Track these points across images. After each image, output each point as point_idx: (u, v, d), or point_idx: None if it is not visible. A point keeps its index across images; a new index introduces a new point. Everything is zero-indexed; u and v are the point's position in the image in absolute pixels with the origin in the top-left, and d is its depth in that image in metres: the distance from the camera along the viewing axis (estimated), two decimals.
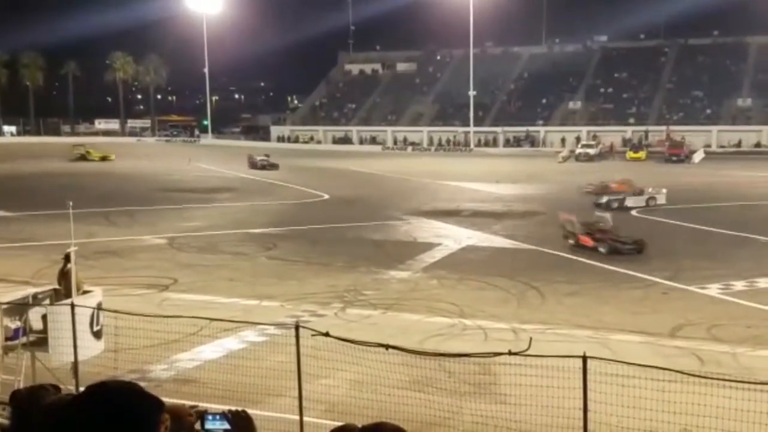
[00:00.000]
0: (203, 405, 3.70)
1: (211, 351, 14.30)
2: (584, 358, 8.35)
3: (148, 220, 33.13)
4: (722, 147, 77.67)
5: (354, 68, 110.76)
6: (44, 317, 12.21)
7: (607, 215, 27.71)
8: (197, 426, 3.23)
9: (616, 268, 22.91)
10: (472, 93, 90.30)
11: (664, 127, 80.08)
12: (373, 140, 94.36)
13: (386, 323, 16.86)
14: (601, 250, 24.81)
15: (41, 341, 12.11)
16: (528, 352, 8.42)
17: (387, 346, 9.15)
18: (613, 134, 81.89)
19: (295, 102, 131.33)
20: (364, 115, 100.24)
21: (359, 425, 2.74)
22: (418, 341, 14.26)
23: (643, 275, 21.78)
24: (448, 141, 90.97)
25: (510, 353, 8.63)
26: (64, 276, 13.05)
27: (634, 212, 34.84)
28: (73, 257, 12.63)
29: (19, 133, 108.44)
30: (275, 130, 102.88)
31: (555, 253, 25.40)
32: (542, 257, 25.22)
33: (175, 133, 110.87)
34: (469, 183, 49.24)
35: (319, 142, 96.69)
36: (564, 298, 19.43)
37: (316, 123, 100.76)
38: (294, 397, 10.11)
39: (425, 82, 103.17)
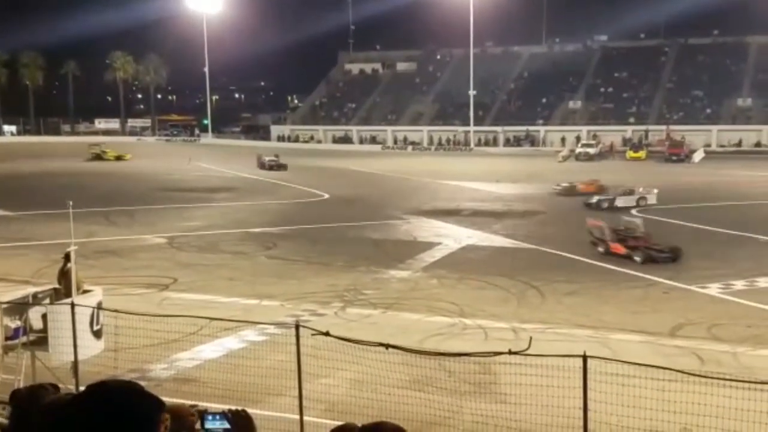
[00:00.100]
0: (203, 404, 3.70)
1: (211, 350, 14.30)
2: (584, 358, 8.35)
3: (148, 220, 33.13)
4: (722, 146, 77.64)
5: (354, 68, 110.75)
6: (44, 317, 12.21)
7: (638, 220, 26.20)
8: (197, 425, 3.23)
9: (616, 267, 22.90)
10: (472, 92, 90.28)
11: (664, 127, 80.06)
12: (373, 140, 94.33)
13: (386, 322, 16.87)
14: (636, 258, 23.27)
15: (41, 340, 12.12)
16: (528, 352, 8.42)
17: (387, 346, 9.15)
18: (613, 134, 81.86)
19: (295, 101, 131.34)
20: (364, 114, 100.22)
21: (359, 425, 2.74)
22: (418, 340, 14.27)
23: (643, 275, 21.78)
24: (448, 140, 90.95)
25: (510, 353, 8.63)
26: (64, 275, 13.04)
27: (633, 212, 34.81)
28: (73, 257, 12.63)
29: (19, 133, 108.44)
30: (275, 130, 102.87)
31: (555, 253, 25.39)
32: (542, 257, 25.22)
33: (175, 132, 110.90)
34: (469, 182, 49.24)
35: (319, 141, 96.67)
36: (564, 297, 19.43)
37: (316, 122, 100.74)
38: (294, 397, 10.12)
39: (425, 81, 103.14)
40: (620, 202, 36.16)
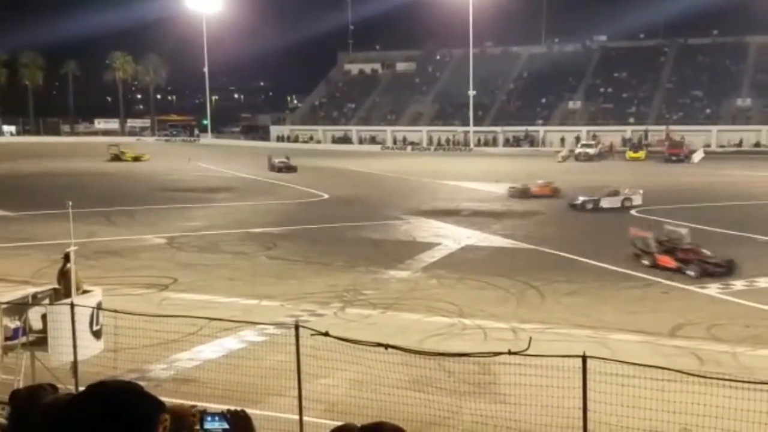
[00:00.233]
0: (202, 405, 3.70)
1: (210, 350, 14.30)
2: (584, 358, 8.36)
3: (148, 220, 33.13)
4: (722, 147, 77.67)
5: (353, 68, 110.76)
6: (44, 317, 12.22)
7: (683, 230, 24.06)
8: (196, 426, 3.23)
9: (615, 267, 22.89)
10: (471, 92, 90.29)
11: (663, 127, 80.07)
12: (373, 140, 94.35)
13: (386, 323, 16.87)
14: (690, 273, 21.41)
15: (41, 341, 12.12)
16: (527, 352, 8.43)
17: (386, 346, 9.16)
18: (612, 134, 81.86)
19: (295, 102, 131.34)
20: (363, 114, 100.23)
21: (359, 425, 2.74)
22: (418, 341, 14.27)
23: (642, 275, 21.78)
24: (447, 140, 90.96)
25: (509, 353, 8.64)
26: (63, 275, 13.04)
27: (633, 212, 34.84)
28: (72, 257, 12.63)
29: (18, 133, 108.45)
30: (275, 130, 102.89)
31: (554, 253, 25.39)
32: (541, 257, 25.22)
33: (174, 132, 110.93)
34: (469, 182, 49.24)
35: (318, 141, 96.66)
36: (563, 297, 19.43)
37: (316, 123, 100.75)
38: (294, 397, 10.12)
39: (425, 81, 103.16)
40: (605, 203, 35.80)
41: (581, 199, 36.40)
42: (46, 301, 12.83)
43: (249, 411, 3.32)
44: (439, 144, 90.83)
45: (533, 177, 51.73)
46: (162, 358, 13.66)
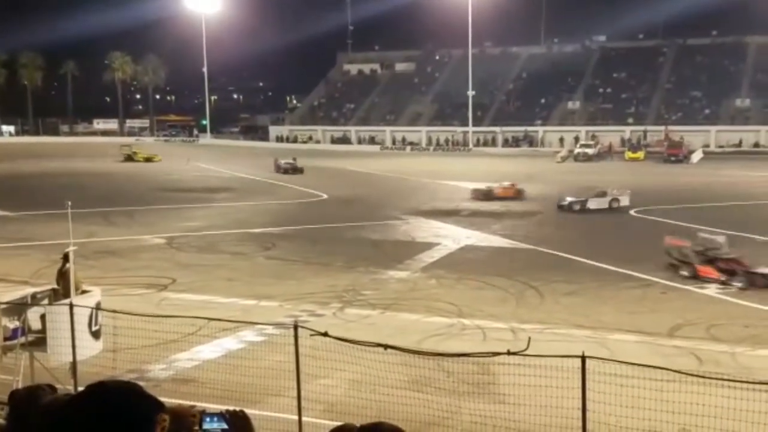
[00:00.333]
0: (201, 405, 3.70)
1: (209, 351, 14.30)
2: (583, 358, 8.36)
3: (147, 220, 33.12)
4: (721, 147, 77.69)
5: (353, 68, 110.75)
6: (43, 317, 12.21)
7: (719, 238, 22.51)
8: (195, 427, 3.22)
9: (614, 267, 22.89)
10: (470, 93, 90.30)
11: (662, 127, 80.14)
12: (372, 140, 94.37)
13: (385, 323, 16.87)
14: (737, 284, 20.27)
15: (40, 341, 12.11)
16: (527, 352, 8.43)
17: (386, 346, 9.16)
18: (611, 134, 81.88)
19: (294, 102, 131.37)
20: (362, 114, 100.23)
21: (358, 425, 2.74)
22: (417, 341, 14.28)
23: (641, 275, 21.77)
24: (446, 141, 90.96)
25: (509, 353, 8.64)
26: (62, 276, 13.04)
27: (632, 212, 34.86)
28: (72, 257, 12.62)
29: (17, 133, 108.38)
30: (274, 130, 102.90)
31: (553, 253, 25.40)
32: (541, 257, 25.23)
33: (173, 132, 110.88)
34: (468, 183, 49.18)
35: (317, 142, 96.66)
36: (562, 297, 19.44)
37: (315, 123, 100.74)
38: (293, 397, 10.12)
39: (424, 82, 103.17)
40: (592, 204, 35.46)
41: (568, 200, 35.94)
42: (45, 301, 12.82)
43: (248, 411, 3.31)
44: (438, 144, 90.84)
45: (532, 177, 51.86)
46: (161, 359, 13.65)
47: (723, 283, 20.59)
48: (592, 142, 76.52)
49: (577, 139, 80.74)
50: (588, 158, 70.05)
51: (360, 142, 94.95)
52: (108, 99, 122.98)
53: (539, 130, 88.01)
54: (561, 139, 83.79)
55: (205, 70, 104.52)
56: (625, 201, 36.27)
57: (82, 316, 11.95)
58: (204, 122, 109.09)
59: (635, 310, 18.33)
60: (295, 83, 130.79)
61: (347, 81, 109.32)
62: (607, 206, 35.62)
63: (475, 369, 12.39)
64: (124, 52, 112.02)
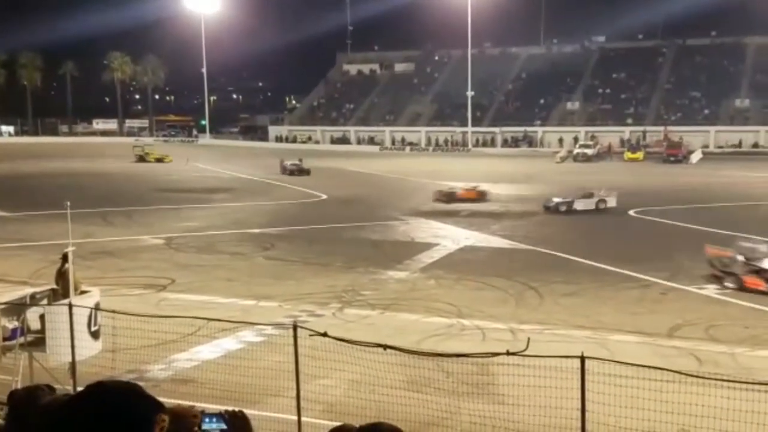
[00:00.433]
0: (200, 405, 3.70)
1: (208, 351, 14.29)
2: (582, 359, 8.36)
3: (146, 221, 33.10)
4: (720, 147, 77.75)
5: (352, 68, 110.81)
6: (42, 317, 12.20)
7: (762, 246, 20.89)
8: (195, 427, 3.22)
9: (614, 268, 22.90)
10: (470, 93, 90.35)
11: (662, 128, 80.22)
12: (371, 140, 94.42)
13: (384, 323, 16.86)
14: None
15: (39, 341, 12.10)
16: (526, 353, 8.43)
17: (385, 347, 9.15)
18: (611, 134, 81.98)
19: (293, 102, 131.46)
20: (362, 115, 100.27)
21: (357, 425, 2.74)
22: (416, 341, 14.26)
23: (641, 275, 21.77)
24: (446, 141, 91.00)
25: (508, 353, 8.63)
26: (61, 276, 13.04)
27: (631, 212, 34.85)
28: (70, 257, 12.62)
29: (16, 133, 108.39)
30: (273, 130, 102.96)
31: (553, 254, 25.40)
32: (540, 257, 25.22)
33: (173, 133, 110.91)
34: (468, 183, 49.14)
35: (317, 142, 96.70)
36: (562, 298, 19.43)
37: (314, 123, 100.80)
38: (292, 398, 10.11)
39: (423, 82, 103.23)
40: (579, 205, 35.09)
41: (554, 201, 35.57)
42: (44, 301, 12.81)
43: (247, 411, 3.31)
44: (437, 144, 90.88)
45: (531, 177, 51.93)
46: (160, 359, 13.64)
47: None
48: (591, 143, 76.59)
49: (576, 139, 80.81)
50: (587, 159, 70.10)
51: (359, 142, 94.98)
52: (107, 99, 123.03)
53: (538, 131, 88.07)
54: (560, 140, 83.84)
55: (204, 70, 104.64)
56: (612, 202, 35.90)
57: (81, 317, 11.94)
58: (203, 122, 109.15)
59: (635, 311, 18.32)
60: (295, 83, 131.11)
61: (347, 81, 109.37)
62: (594, 207, 35.25)
63: (474, 369, 12.38)
64: (124, 53, 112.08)
